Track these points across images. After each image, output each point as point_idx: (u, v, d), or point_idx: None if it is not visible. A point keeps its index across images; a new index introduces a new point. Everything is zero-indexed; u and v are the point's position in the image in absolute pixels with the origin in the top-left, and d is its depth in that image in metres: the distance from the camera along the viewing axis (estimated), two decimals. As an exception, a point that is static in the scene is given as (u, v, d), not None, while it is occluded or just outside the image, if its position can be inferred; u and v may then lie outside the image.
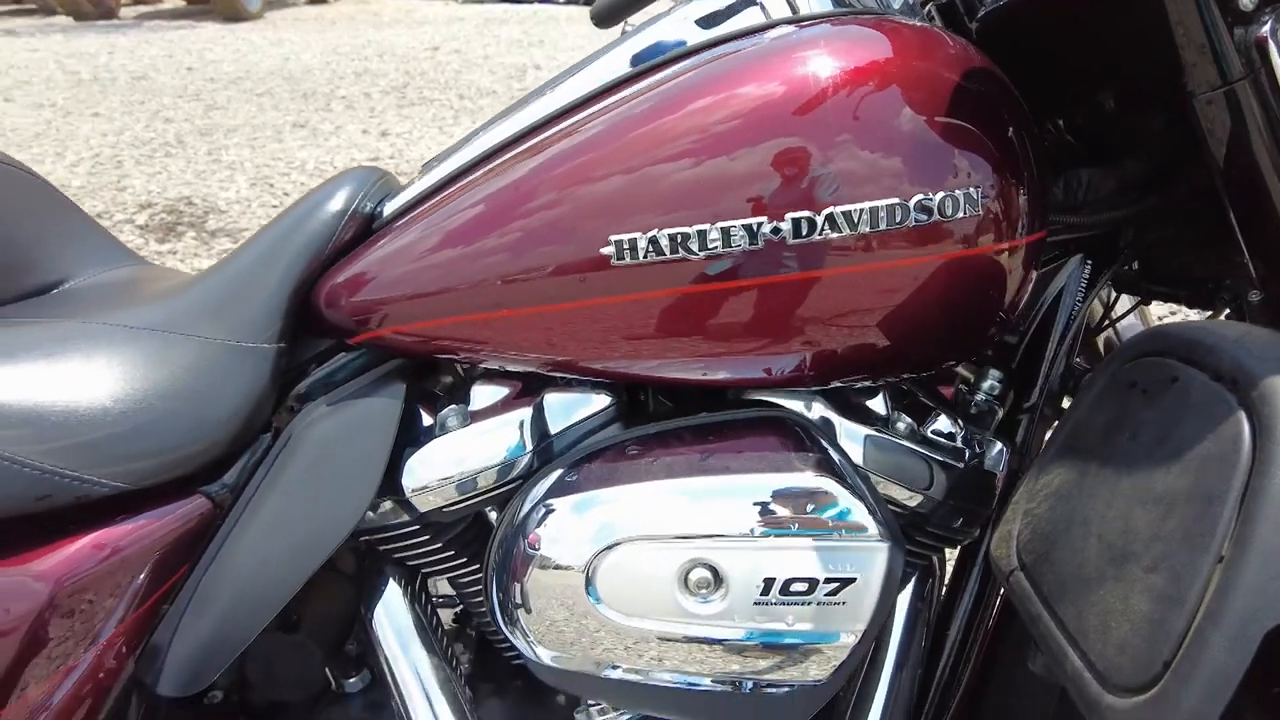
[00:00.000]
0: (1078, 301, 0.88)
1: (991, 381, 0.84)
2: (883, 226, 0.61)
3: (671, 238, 0.61)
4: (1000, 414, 0.85)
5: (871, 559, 0.64)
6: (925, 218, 0.61)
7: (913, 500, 0.76)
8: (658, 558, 0.65)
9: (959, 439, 0.78)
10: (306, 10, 10.98)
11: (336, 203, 0.77)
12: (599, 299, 0.65)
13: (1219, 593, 0.47)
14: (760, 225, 0.60)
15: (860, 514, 0.65)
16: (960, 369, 0.89)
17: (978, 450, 0.79)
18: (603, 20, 1.09)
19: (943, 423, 0.79)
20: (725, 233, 0.61)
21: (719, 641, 0.66)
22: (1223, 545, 0.48)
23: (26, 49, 8.17)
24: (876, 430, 0.75)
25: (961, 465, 0.77)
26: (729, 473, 0.66)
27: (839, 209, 0.60)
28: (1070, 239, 0.88)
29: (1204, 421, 0.52)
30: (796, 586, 0.64)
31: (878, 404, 0.77)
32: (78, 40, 8.69)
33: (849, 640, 0.66)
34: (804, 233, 0.60)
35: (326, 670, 0.87)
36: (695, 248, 0.61)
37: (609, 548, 0.66)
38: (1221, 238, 0.73)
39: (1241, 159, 0.66)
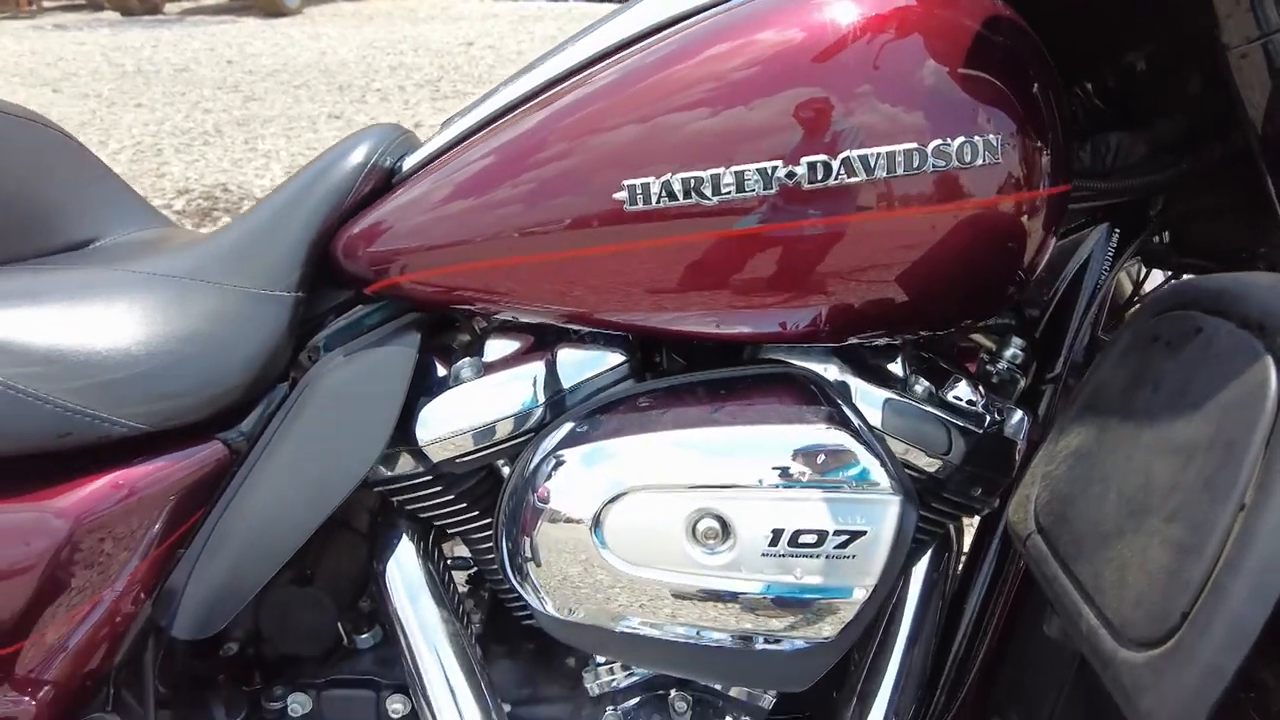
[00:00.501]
0: (1104, 271, 0.86)
1: (1014, 350, 0.82)
2: (900, 172, 0.60)
3: (685, 182, 0.61)
4: (1022, 384, 0.83)
5: (883, 512, 0.63)
6: (943, 164, 0.60)
7: (930, 465, 0.75)
8: (665, 507, 0.65)
9: (978, 405, 0.77)
10: (345, 6, 11.12)
11: (357, 156, 0.77)
12: (612, 246, 0.64)
13: (1239, 541, 0.46)
14: (775, 170, 0.60)
15: (872, 466, 0.64)
16: (981, 339, 0.87)
17: (997, 417, 0.78)
18: None
19: (962, 389, 0.77)
20: (740, 177, 0.60)
21: (727, 594, 0.65)
22: (1245, 493, 0.46)
23: (74, 43, 8.37)
24: (893, 392, 0.74)
25: (980, 431, 0.76)
26: (739, 423, 0.65)
27: (855, 153, 0.59)
28: (1097, 207, 0.86)
29: (1228, 369, 0.51)
30: (805, 538, 0.63)
31: (895, 366, 0.76)
32: (124, 35, 8.88)
33: (859, 595, 0.65)
34: (819, 177, 0.60)
35: (339, 626, 0.88)
36: (709, 193, 0.61)
37: (617, 497, 0.66)
38: (1257, 205, 0.71)
39: (1276, 112, 0.64)
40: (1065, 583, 0.59)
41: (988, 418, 0.77)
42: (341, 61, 7.12)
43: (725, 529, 0.64)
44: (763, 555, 0.64)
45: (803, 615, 0.66)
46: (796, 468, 0.63)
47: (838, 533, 0.63)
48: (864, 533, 0.63)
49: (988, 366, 0.83)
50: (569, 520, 0.68)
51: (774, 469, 0.63)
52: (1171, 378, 0.56)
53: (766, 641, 0.68)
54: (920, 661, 0.85)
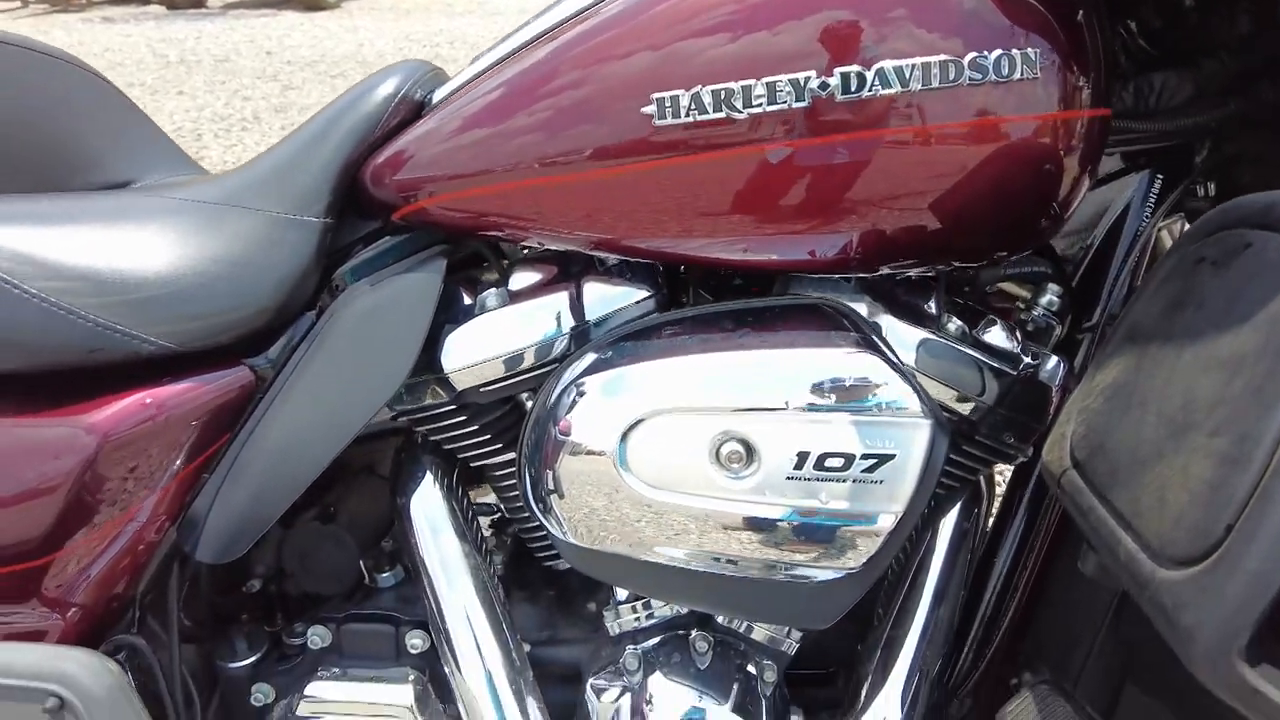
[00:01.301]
0: (1144, 219, 0.84)
1: (1050, 297, 0.80)
2: (935, 85, 0.58)
3: (715, 94, 0.60)
4: (1059, 332, 0.81)
5: (912, 437, 0.62)
6: (980, 78, 0.58)
7: (962, 407, 0.73)
8: (689, 431, 0.64)
9: (1013, 347, 0.75)
10: (382, 0, 11.24)
11: (386, 88, 0.77)
12: (641, 164, 0.63)
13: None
14: (808, 80, 0.58)
15: (902, 390, 0.62)
16: (1017, 288, 0.85)
17: (1032, 361, 0.76)
18: None
19: (996, 330, 0.76)
20: (771, 89, 0.59)
21: (751, 519, 0.64)
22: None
23: (121, 35, 8.55)
24: (927, 330, 0.72)
25: (1014, 374, 0.74)
26: (765, 347, 0.64)
27: (890, 64, 0.58)
28: (1139, 151, 0.84)
29: (1274, 279, 0.49)
30: (832, 462, 0.61)
31: (929, 304, 0.74)
32: (168, 27, 9.06)
33: (886, 523, 0.63)
34: (853, 89, 0.58)
35: (361, 564, 0.88)
36: (739, 105, 0.60)
37: (640, 421, 0.65)
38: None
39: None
40: (1102, 513, 0.57)
41: (1022, 361, 0.75)
42: (379, 53, 7.19)
43: (750, 452, 0.63)
44: (787, 479, 0.62)
45: (828, 544, 0.64)
46: (824, 390, 0.62)
47: (865, 456, 0.61)
48: (892, 457, 0.61)
49: (1023, 314, 0.81)
50: (592, 447, 0.67)
51: (801, 391, 0.62)
52: (1217, 295, 0.54)
53: (790, 573, 0.67)
54: (947, 618, 0.83)
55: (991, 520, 0.90)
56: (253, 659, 0.86)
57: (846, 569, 0.66)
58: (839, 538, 0.64)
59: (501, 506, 0.92)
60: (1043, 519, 0.84)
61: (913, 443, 0.62)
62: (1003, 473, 0.92)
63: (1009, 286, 0.85)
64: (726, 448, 0.63)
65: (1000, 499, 0.92)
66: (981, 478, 0.85)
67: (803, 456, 0.62)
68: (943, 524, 0.83)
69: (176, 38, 8.06)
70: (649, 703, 0.76)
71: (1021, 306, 0.81)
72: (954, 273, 0.74)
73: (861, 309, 0.70)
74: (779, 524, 0.64)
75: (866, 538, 0.64)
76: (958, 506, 0.83)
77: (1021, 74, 0.59)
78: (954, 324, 0.74)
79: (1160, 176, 0.83)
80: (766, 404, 0.62)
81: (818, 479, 0.62)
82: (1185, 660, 0.48)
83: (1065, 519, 0.83)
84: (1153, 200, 0.84)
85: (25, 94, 0.93)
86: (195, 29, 8.64)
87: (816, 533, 0.64)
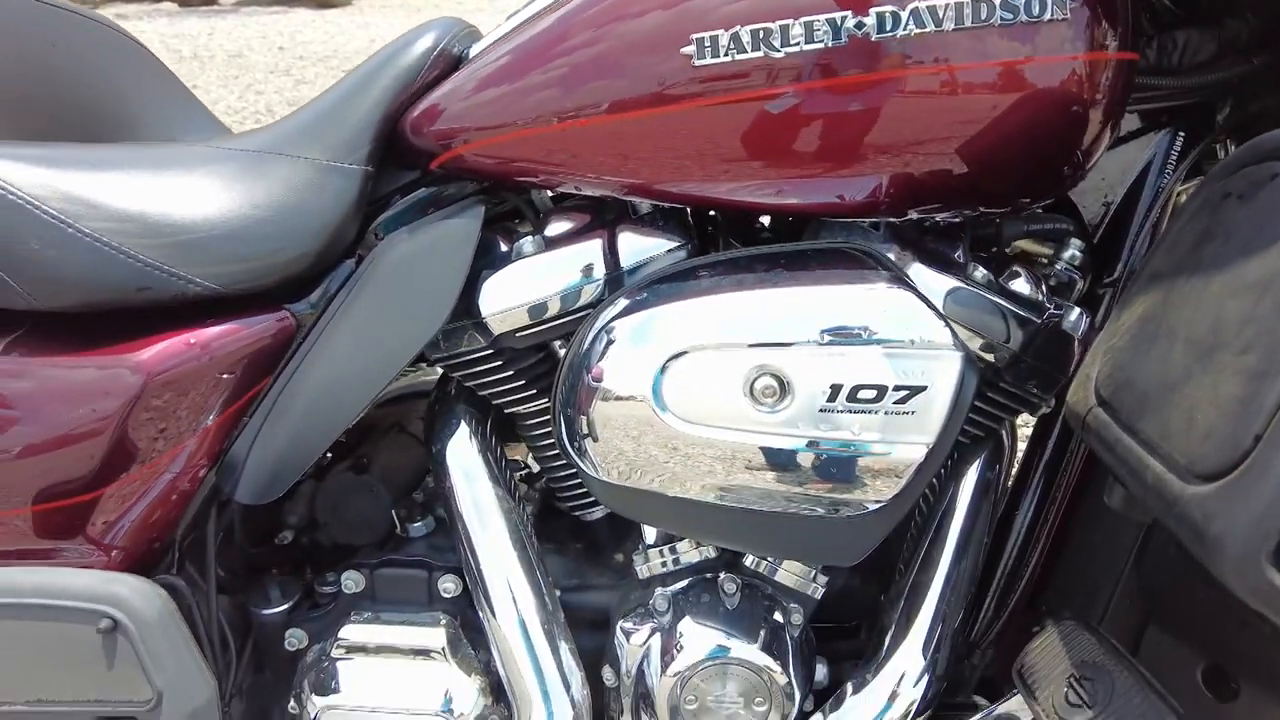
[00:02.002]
0: (1166, 177, 0.85)
1: (1073, 252, 0.82)
2: (968, 24, 0.60)
3: (753, 33, 0.61)
4: (1081, 286, 0.83)
5: (944, 369, 0.63)
6: (1010, 17, 0.60)
7: (988, 354, 0.75)
8: (723, 366, 0.66)
9: (1037, 296, 0.77)
10: (394, -1, 11.26)
11: (425, 42, 0.79)
12: (678, 104, 0.65)
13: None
14: (844, 19, 0.60)
15: (934, 324, 0.64)
16: (1039, 246, 0.86)
17: (1056, 311, 0.77)
18: None
19: (1021, 280, 0.77)
20: (809, 27, 0.61)
21: (783, 451, 0.66)
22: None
23: (134, 30, 8.53)
24: (954, 277, 0.74)
25: (1039, 322, 0.76)
26: (797, 284, 0.66)
27: (924, 4, 0.59)
28: (1161, 109, 0.85)
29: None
30: (864, 394, 0.63)
31: (956, 251, 0.76)
32: (181, 23, 9.12)
33: (915, 455, 0.65)
34: (888, 28, 0.60)
35: (394, 514, 0.90)
36: (777, 43, 0.61)
37: (675, 357, 0.66)
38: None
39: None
40: (1129, 443, 0.59)
41: (1046, 309, 0.77)
42: (390, 49, 7.23)
43: (783, 386, 0.65)
44: (820, 411, 0.64)
45: (858, 476, 0.66)
46: (857, 323, 0.64)
47: (898, 388, 0.63)
48: (924, 389, 0.63)
49: (1046, 269, 0.82)
50: (627, 387, 0.69)
51: (834, 325, 0.64)
52: (1244, 225, 0.56)
53: (819, 507, 0.68)
54: (969, 570, 0.85)
55: (1014, 474, 0.92)
56: (286, 606, 0.88)
57: (875, 502, 0.67)
58: (869, 470, 0.66)
59: (530, 461, 0.93)
60: (1064, 472, 0.86)
61: (944, 375, 0.63)
62: (1025, 426, 0.93)
63: (1031, 245, 0.86)
64: (760, 382, 0.65)
65: (1022, 454, 0.93)
66: (1004, 431, 0.86)
67: (836, 389, 0.63)
68: (966, 476, 0.84)
69: (189, 33, 8.12)
70: (678, 643, 0.78)
71: (1045, 261, 0.83)
72: (980, 219, 0.75)
73: (890, 255, 0.72)
74: (811, 456, 0.66)
75: (896, 470, 0.66)
76: (981, 458, 0.84)
77: (1051, 14, 0.60)
78: (980, 272, 0.76)
79: (1182, 135, 0.84)
80: (800, 338, 0.64)
81: (850, 411, 0.64)
82: (1214, 569, 0.49)
83: (1086, 470, 0.84)
84: (1174, 159, 0.85)
85: (73, 56, 0.95)
86: (208, 25, 8.70)
87: (847, 465, 0.66)
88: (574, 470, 0.82)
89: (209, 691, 0.72)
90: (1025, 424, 0.96)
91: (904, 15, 0.60)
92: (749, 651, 0.76)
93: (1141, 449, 0.57)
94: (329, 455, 0.90)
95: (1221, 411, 0.51)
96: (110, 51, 1.01)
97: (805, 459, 0.66)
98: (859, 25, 0.60)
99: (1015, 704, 0.79)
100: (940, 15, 0.60)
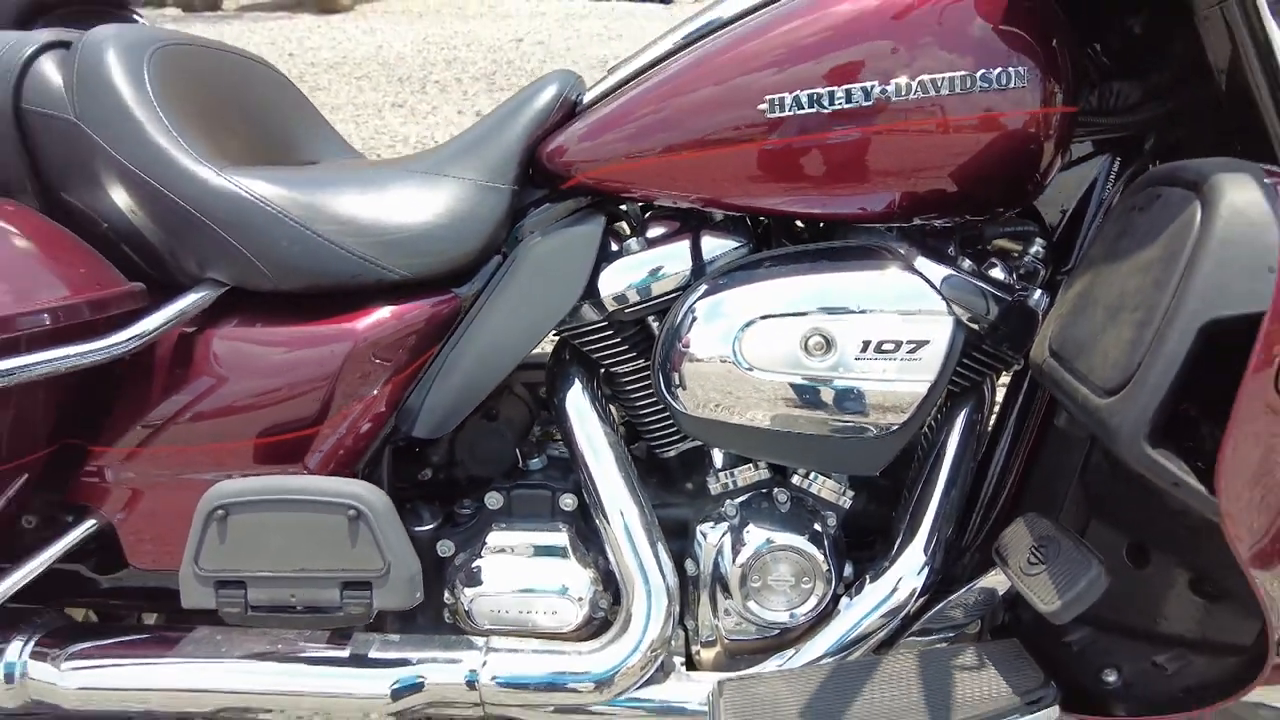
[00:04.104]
0: (1106, 190, 1.12)
1: (1037, 247, 1.08)
2: (958, 91, 0.87)
3: (810, 95, 0.88)
4: (1044, 275, 1.09)
5: (940, 328, 0.91)
6: (987, 86, 0.87)
7: (973, 323, 1.02)
8: (786, 328, 0.93)
9: (1010, 281, 1.04)
10: (394, 3, 11.43)
11: (550, 91, 1.05)
12: (750, 144, 0.92)
13: (1172, 309, 0.73)
14: (872, 87, 0.87)
15: (934, 298, 0.92)
16: (1010, 241, 1.13)
17: (1024, 292, 1.04)
18: None
19: (997, 269, 1.04)
20: (848, 93, 0.88)
21: (829, 387, 0.93)
22: (1177, 280, 0.73)
23: (143, 35, 8.73)
24: (947, 267, 1.01)
25: (1010, 300, 1.02)
26: (836, 270, 0.94)
27: (928, 77, 0.87)
28: (1103, 139, 1.12)
29: (1174, 213, 0.77)
30: (886, 346, 0.91)
31: (949, 248, 1.03)
32: (187, 29, 9.23)
33: (921, 389, 0.92)
34: (903, 93, 0.87)
35: (517, 451, 1.16)
36: (826, 104, 0.88)
37: (749, 324, 0.94)
38: (1222, 139, 0.96)
39: (1234, 67, 0.90)
40: (1068, 378, 0.86)
41: (1016, 291, 1.03)
42: (399, 55, 7.43)
43: (828, 342, 0.92)
44: (856, 359, 0.91)
45: (879, 405, 0.93)
46: (880, 298, 0.91)
47: (909, 342, 0.91)
48: (927, 342, 0.91)
49: (1017, 261, 1.09)
50: (711, 345, 0.96)
51: (864, 298, 0.91)
52: (1141, 228, 0.83)
53: (851, 430, 0.96)
54: (959, 494, 1.11)
55: (994, 418, 1.19)
56: (435, 524, 1.14)
57: (891, 425, 0.95)
58: (887, 401, 0.93)
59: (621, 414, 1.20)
60: (1031, 419, 1.13)
61: (941, 333, 0.91)
62: (1001, 385, 1.20)
63: (1006, 242, 1.13)
64: (812, 340, 0.92)
65: (999, 405, 1.20)
66: (985, 385, 1.13)
67: (866, 343, 0.91)
68: (956, 419, 1.10)
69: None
70: (744, 539, 1.05)
71: (1016, 255, 1.10)
72: (965, 224, 1.02)
73: (902, 250, 0.99)
74: (848, 391, 0.93)
75: (906, 401, 0.93)
76: (968, 406, 1.11)
77: (1014, 84, 0.88)
78: (967, 263, 1.03)
79: (1118, 159, 1.12)
80: (841, 308, 0.91)
81: (876, 358, 0.91)
82: (1117, 451, 0.76)
83: (1046, 413, 1.11)
84: (1113, 177, 1.13)
85: (251, 92, 1.21)
86: (215, 32, 8.84)
87: (873, 398, 0.93)
88: (660, 415, 1.10)
89: (418, 565, 0.98)
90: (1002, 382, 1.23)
91: (914, 84, 0.87)
92: (799, 542, 1.03)
93: (1076, 381, 0.84)
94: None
95: (1121, 349, 0.78)
96: (273, 86, 1.28)
97: (844, 394, 0.94)
98: (883, 91, 0.87)
99: (991, 579, 1.06)
100: (939, 85, 0.87)
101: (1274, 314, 0.69)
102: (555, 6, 10.27)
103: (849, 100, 0.88)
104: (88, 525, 1.05)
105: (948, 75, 0.87)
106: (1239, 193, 0.73)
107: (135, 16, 1.52)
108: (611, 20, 9.04)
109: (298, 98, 1.33)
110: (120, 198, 0.97)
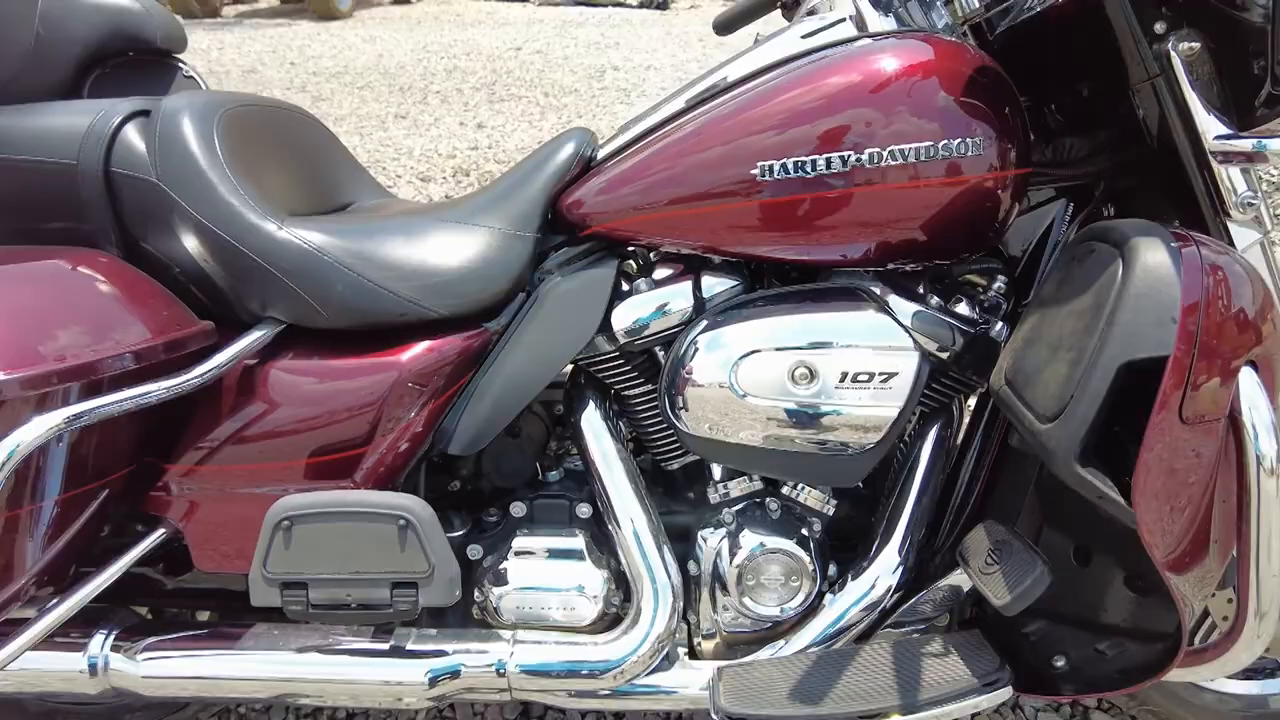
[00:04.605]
0: (1062, 230, 1.27)
1: (999, 283, 1.23)
2: (924, 159, 1.01)
3: (796, 163, 1.03)
4: (1005, 308, 1.24)
5: (908, 362, 1.06)
6: (949, 154, 1.01)
7: (941, 353, 1.16)
8: (773, 362, 1.07)
9: (973, 316, 1.18)
10: (392, 10, 11.54)
11: (568, 149, 1.19)
12: (745, 201, 1.06)
13: (1097, 350, 0.87)
14: (850, 156, 1.01)
15: (903, 336, 1.06)
16: (977, 278, 1.28)
17: (986, 326, 1.19)
18: (722, 30, 1.52)
19: (963, 305, 1.18)
20: (828, 160, 1.02)
21: (813, 412, 1.08)
22: (1102, 326, 0.88)
23: (145, 43, 8.81)
24: (917, 304, 1.15)
25: (974, 332, 1.17)
26: (819, 310, 1.08)
27: (897, 147, 1.01)
28: (1058, 187, 1.27)
29: (1102, 268, 0.92)
30: (861, 377, 1.05)
31: (919, 287, 1.17)
32: (187, 36, 9.35)
33: (891, 413, 1.07)
34: (877, 161, 1.01)
35: (537, 465, 1.31)
36: (809, 170, 1.03)
37: (743, 357, 1.08)
38: (1157, 187, 1.11)
39: (1163, 130, 1.04)
40: (1018, 404, 1.00)
41: (980, 324, 1.18)
42: (399, 64, 7.54)
43: (812, 373, 1.06)
44: (836, 387, 1.06)
45: (857, 427, 1.08)
46: (856, 335, 1.06)
47: (881, 374, 1.05)
48: (897, 374, 1.05)
49: (981, 296, 1.23)
50: (710, 375, 1.10)
51: (844, 336, 1.06)
52: (1077, 277, 0.97)
53: (833, 447, 1.10)
54: (930, 501, 1.25)
55: (961, 436, 1.33)
56: (465, 530, 1.28)
57: (867, 444, 1.09)
58: (863, 423, 1.08)
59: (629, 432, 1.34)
60: (994, 436, 1.27)
61: (909, 365, 1.06)
62: (968, 406, 1.35)
63: (972, 278, 1.28)
64: (798, 371, 1.07)
65: (967, 424, 1.35)
66: (954, 406, 1.27)
67: (844, 374, 1.05)
68: (927, 437, 1.25)
69: (199, 48, 8.38)
70: (740, 543, 1.19)
71: (980, 291, 1.24)
72: (934, 267, 1.17)
73: (877, 290, 1.13)
74: (829, 415, 1.08)
75: (879, 423, 1.08)
76: (938, 424, 1.25)
77: (974, 151, 1.02)
78: (935, 300, 1.17)
79: (1072, 203, 1.26)
80: (824, 343, 1.06)
81: (853, 387, 1.06)
82: (1052, 468, 0.91)
83: (1008, 430, 1.26)
84: (1068, 219, 1.27)
85: (298, 141, 1.35)
86: (216, 39, 8.96)
87: (851, 420, 1.08)
88: (665, 433, 1.24)
89: (458, 568, 1.12)
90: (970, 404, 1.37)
91: (885, 154, 1.01)
92: (788, 546, 1.18)
93: (1024, 407, 0.99)
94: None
95: (1058, 382, 0.92)
96: (314, 133, 1.42)
97: (825, 417, 1.08)
98: (858, 160, 1.02)
99: (957, 578, 1.20)
100: (909, 154, 1.01)
101: (1175, 358, 0.84)
102: (551, 14, 10.40)
103: (829, 167, 1.02)
104: (159, 534, 1.19)
105: (914, 145, 1.01)
106: (1151, 253, 0.88)
107: (180, 64, 1.64)
108: (608, 28, 9.17)
109: (333, 141, 1.47)
110: (194, 247, 1.10)
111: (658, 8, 10.79)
